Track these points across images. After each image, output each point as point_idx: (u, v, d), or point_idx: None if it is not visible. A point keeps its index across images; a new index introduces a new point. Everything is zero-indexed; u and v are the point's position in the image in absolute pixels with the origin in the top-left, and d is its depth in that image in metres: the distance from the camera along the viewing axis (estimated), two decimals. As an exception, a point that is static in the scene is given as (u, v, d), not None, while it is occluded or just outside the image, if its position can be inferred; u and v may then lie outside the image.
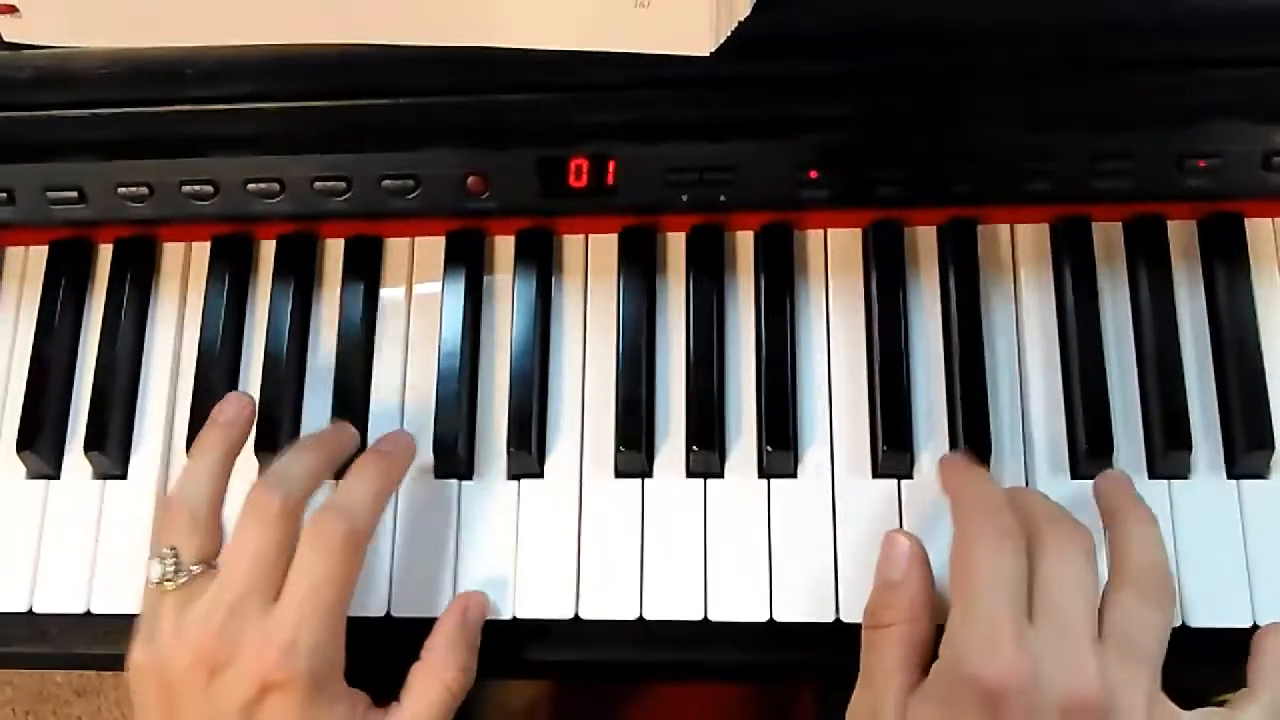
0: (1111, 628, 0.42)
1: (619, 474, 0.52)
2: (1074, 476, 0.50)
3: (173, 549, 0.46)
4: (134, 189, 0.53)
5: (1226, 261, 0.52)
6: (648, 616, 0.50)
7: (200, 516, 0.47)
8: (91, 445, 0.54)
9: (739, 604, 0.49)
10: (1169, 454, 0.49)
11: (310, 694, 0.43)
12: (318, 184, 0.52)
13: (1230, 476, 0.49)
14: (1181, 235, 0.53)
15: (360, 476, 0.48)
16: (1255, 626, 0.47)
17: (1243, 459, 0.49)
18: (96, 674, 1.22)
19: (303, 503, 0.47)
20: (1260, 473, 0.49)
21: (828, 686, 0.70)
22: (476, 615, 0.49)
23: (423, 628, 0.49)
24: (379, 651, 0.48)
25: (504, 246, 0.56)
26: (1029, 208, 0.53)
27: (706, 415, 0.51)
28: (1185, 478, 0.50)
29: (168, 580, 0.45)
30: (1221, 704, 0.44)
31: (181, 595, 0.45)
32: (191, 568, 0.46)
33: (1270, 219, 0.53)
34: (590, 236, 0.55)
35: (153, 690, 0.45)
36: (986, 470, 0.49)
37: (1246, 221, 0.52)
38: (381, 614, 0.51)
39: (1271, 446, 0.49)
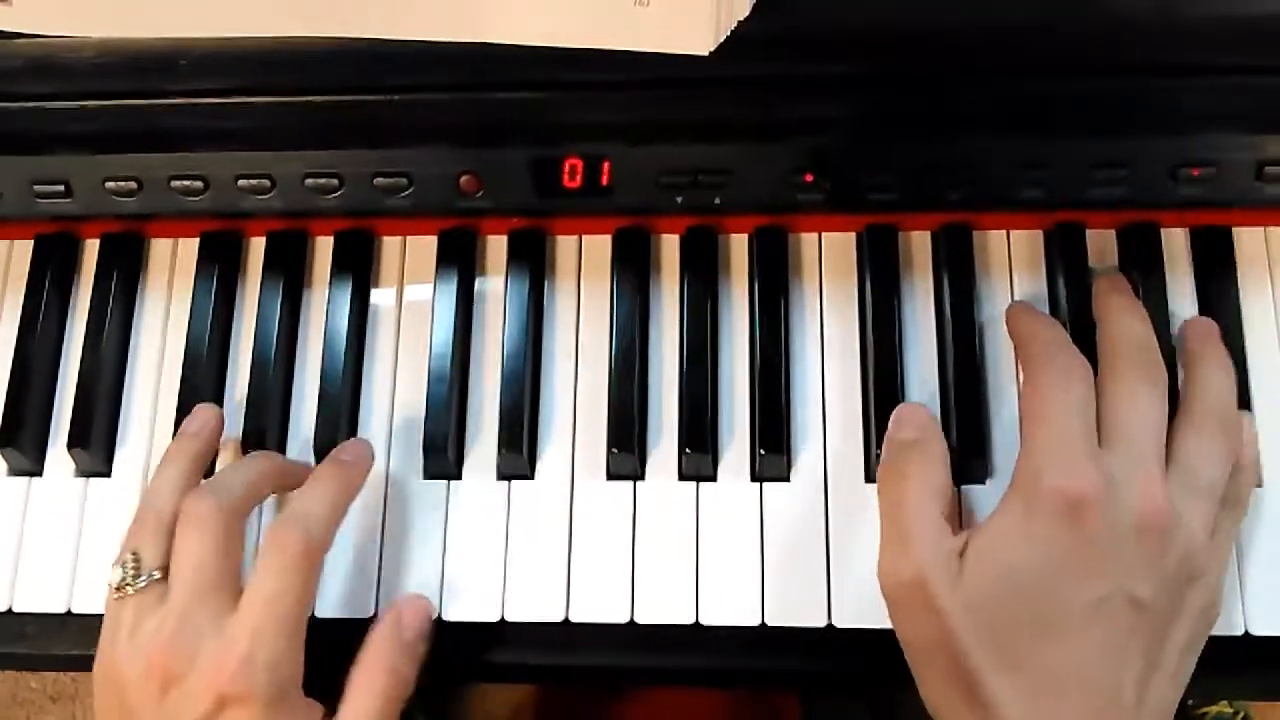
0: (1175, 459, 0.44)
1: (610, 476, 0.51)
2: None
3: (134, 554, 0.46)
4: (122, 183, 0.52)
5: (1217, 270, 0.52)
6: (639, 620, 0.49)
7: (165, 524, 0.46)
8: (75, 442, 0.53)
9: (731, 608, 0.49)
10: (1162, 461, 0.49)
11: (267, 708, 0.42)
12: (309, 181, 0.52)
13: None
14: (1174, 243, 0.53)
15: (318, 487, 0.47)
16: (1247, 635, 0.47)
17: (1234, 467, 0.49)
18: (71, 679, 1.20)
19: (240, 506, 0.46)
20: (1252, 481, 0.49)
21: (813, 696, 0.70)
22: (411, 618, 0.48)
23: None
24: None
25: (497, 246, 0.55)
26: (1023, 214, 0.53)
27: (699, 418, 0.51)
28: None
29: (127, 585, 0.45)
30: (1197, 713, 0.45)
31: (140, 602, 0.45)
32: (152, 573, 0.45)
33: (1261, 228, 0.53)
34: (584, 237, 0.55)
35: (111, 700, 0.44)
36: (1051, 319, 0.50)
37: (1238, 231, 0.52)
38: (369, 615, 0.50)
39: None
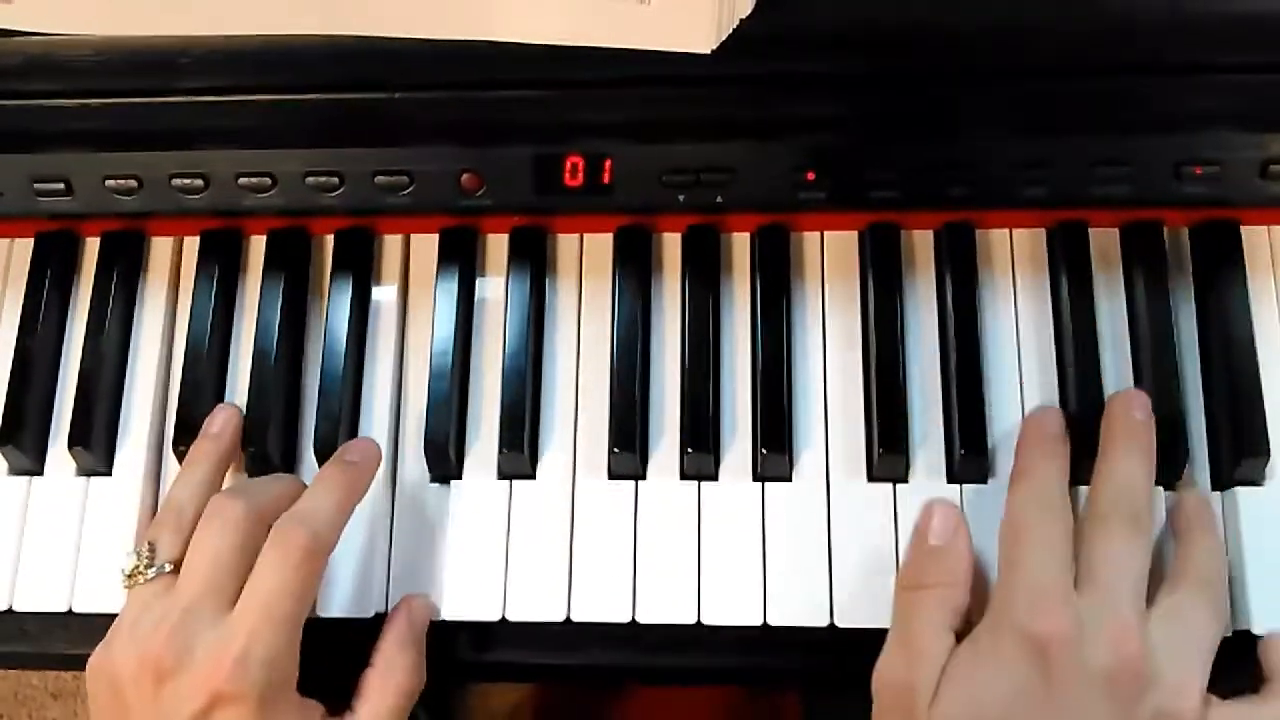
0: (1164, 606, 0.44)
1: (612, 476, 0.51)
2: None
3: (150, 545, 0.46)
4: (122, 181, 0.52)
5: (1222, 269, 0.52)
6: (640, 619, 0.49)
7: (186, 520, 0.47)
8: (75, 441, 0.53)
9: (732, 608, 0.49)
10: (1165, 460, 0.48)
11: (261, 707, 0.42)
12: (310, 179, 0.52)
13: (1226, 484, 0.49)
14: (1178, 242, 0.53)
15: (325, 487, 0.47)
16: (1248, 634, 0.47)
17: (1238, 466, 0.49)
18: (73, 676, 1.20)
19: (267, 515, 0.46)
20: (1256, 480, 0.49)
21: (814, 692, 0.70)
22: (421, 616, 0.49)
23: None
24: (367, 653, 0.48)
25: (498, 245, 0.55)
26: (1026, 212, 0.53)
27: (701, 417, 0.51)
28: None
29: (139, 574, 0.45)
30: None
31: (147, 593, 0.45)
32: (164, 566, 0.45)
33: (1265, 227, 0.53)
34: (585, 236, 0.55)
35: (105, 691, 0.44)
36: (1065, 448, 0.48)
37: (1243, 229, 0.52)
38: (370, 615, 0.50)
39: (1267, 454, 0.49)
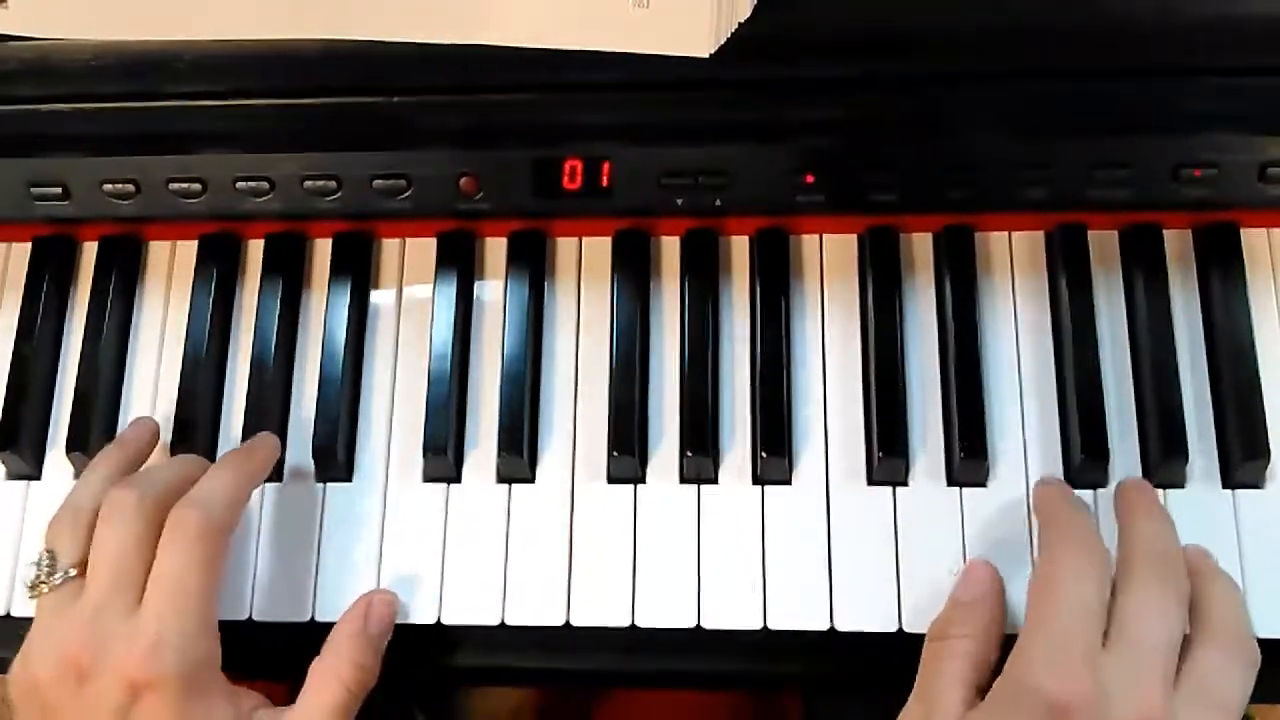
0: (1188, 674, 0.41)
1: (611, 479, 0.51)
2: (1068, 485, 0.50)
3: (50, 552, 0.46)
4: (119, 186, 0.52)
5: (1222, 271, 0.52)
6: (640, 624, 0.49)
7: (83, 522, 0.46)
8: (73, 446, 0.53)
9: (732, 612, 0.49)
10: (1165, 463, 0.49)
11: (184, 690, 0.42)
12: (307, 183, 0.51)
13: (1226, 486, 0.49)
14: (1177, 244, 0.53)
15: (218, 472, 0.48)
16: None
17: (1238, 469, 0.49)
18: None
19: (163, 500, 0.46)
20: (1256, 483, 0.49)
21: (815, 696, 0.70)
22: (380, 613, 0.48)
23: (405, 633, 0.49)
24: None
25: (496, 248, 0.55)
26: (1025, 215, 0.53)
27: (700, 420, 0.51)
28: (1181, 487, 0.49)
29: (41, 584, 0.45)
30: None
31: (55, 600, 0.45)
32: (68, 571, 0.45)
33: (1265, 229, 0.53)
34: (584, 239, 0.55)
35: (30, 703, 0.44)
36: (1081, 501, 0.48)
37: (1242, 232, 0.52)
38: (369, 620, 0.50)
39: (1267, 456, 0.49)
